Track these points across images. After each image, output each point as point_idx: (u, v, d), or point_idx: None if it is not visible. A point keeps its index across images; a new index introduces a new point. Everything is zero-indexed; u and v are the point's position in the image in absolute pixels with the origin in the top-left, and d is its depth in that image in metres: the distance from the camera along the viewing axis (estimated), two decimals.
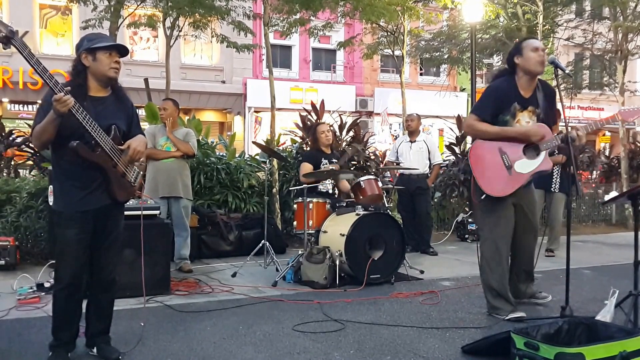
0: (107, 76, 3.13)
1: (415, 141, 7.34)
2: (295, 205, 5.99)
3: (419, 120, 7.43)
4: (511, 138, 4.04)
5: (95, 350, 3.34)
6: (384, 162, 9.18)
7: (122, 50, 3.17)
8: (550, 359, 2.79)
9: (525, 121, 4.06)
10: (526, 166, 4.02)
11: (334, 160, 6.22)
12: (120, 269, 3.65)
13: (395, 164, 7.50)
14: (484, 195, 4.08)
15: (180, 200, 5.88)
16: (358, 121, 9.29)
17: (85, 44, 3.12)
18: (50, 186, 5.43)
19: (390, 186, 7.53)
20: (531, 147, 4.05)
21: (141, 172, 3.42)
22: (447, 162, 9.50)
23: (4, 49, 2.84)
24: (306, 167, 6.06)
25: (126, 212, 3.48)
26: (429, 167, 7.38)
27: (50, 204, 5.38)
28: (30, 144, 7.93)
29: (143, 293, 3.86)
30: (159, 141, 5.83)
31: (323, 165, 6.10)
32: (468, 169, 8.89)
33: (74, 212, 3.11)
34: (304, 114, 8.70)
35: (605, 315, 3.69)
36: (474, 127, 4.12)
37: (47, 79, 2.83)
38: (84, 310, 3.33)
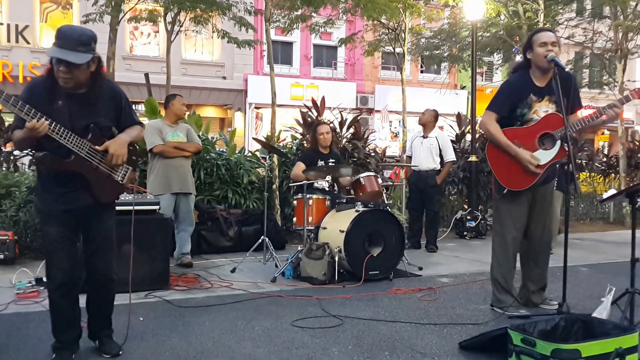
0: (59, 82, 2.91)
1: (427, 137, 7.26)
2: (295, 202, 6.01)
3: (430, 115, 7.30)
4: (512, 155, 4.05)
5: (97, 343, 3.34)
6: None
7: (65, 64, 2.84)
8: (547, 355, 2.81)
9: (543, 111, 4.07)
10: (543, 157, 4.03)
11: (331, 160, 6.22)
12: (118, 264, 3.49)
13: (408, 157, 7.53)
14: (505, 190, 4.12)
15: (189, 196, 5.96)
16: (358, 118, 9.30)
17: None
18: None
19: (390, 183, 7.53)
20: (546, 137, 4.04)
21: (130, 168, 3.25)
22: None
23: None
24: (300, 167, 6.08)
25: (122, 208, 3.44)
26: (441, 163, 7.27)
27: None
28: None
29: (129, 289, 3.57)
30: (166, 137, 5.83)
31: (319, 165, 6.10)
32: (467, 166, 9.00)
33: (55, 210, 3.03)
34: (305, 110, 8.71)
35: (602, 312, 3.71)
36: (487, 126, 4.17)
37: (12, 105, 2.70)
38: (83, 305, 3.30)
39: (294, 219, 5.99)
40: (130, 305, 3.58)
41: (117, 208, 3.41)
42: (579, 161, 10.39)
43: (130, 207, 4.17)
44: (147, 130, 5.72)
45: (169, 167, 5.78)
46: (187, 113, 7.45)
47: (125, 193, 3.58)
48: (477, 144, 9.19)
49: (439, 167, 7.25)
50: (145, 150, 5.82)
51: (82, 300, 3.29)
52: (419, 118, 7.48)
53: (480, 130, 7.79)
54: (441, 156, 7.26)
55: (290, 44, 21.83)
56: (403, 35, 11.04)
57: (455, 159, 7.55)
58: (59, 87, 2.93)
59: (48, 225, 3.06)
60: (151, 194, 5.31)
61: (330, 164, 6.16)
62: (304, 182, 5.71)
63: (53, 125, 2.83)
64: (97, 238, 3.21)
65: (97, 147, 3.02)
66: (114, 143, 3.06)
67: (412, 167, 7.33)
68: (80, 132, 2.96)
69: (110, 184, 3.15)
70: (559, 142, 4.01)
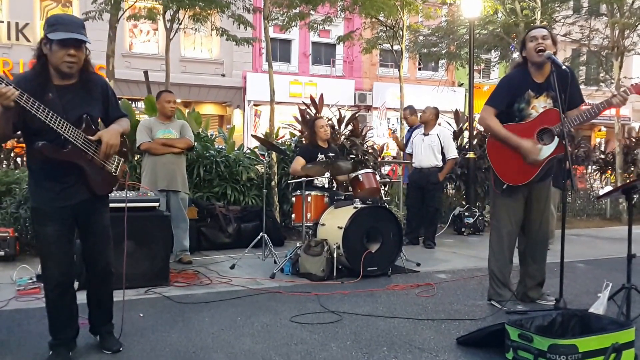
0: (60, 70, 2.89)
1: (428, 134, 7.30)
2: (293, 198, 6.03)
3: (431, 113, 7.34)
4: (512, 146, 4.07)
5: (98, 338, 3.35)
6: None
7: (77, 43, 2.86)
8: (544, 351, 2.84)
9: (541, 107, 4.09)
10: (542, 152, 4.05)
11: (331, 154, 6.23)
12: (118, 260, 3.51)
13: (408, 155, 7.54)
14: (505, 185, 4.16)
15: (178, 194, 5.93)
16: (357, 115, 9.32)
17: (45, 29, 2.84)
18: None
19: (388, 180, 7.55)
20: (545, 132, 4.06)
21: (122, 160, 3.23)
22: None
23: None
24: (300, 162, 6.09)
25: (121, 205, 3.46)
26: (443, 160, 7.29)
27: None
28: None
29: (123, 285, 3.52)
30: (156, 134, 5.84)
31: (319, 159, 6.11)
32: (465, 162, 9.02)
33: (52, 208, 2.96)
34: (303, 107, 8.73)
35: (599, 307, 3.74)
36: (487, 120, 4.20)
37: None
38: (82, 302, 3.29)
39: (293, 216, 6.00)
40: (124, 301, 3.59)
41: (115, 205, 3.39)
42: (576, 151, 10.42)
43: (129, 205, 4.18)
44: (137, 129, 5.78)
45: (157, 164, 5.78)
46: (188, 110, 7.46)
47: (118, 189, 3.57)
48: (475, 141, 9.22)
49: (441, 164, 7.27)
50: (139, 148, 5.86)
51: (82, 296, 3.31)
52: (420, 116, 7.51)
53: (479, 127, 7.81)
54: (443, 153, 7.30)
55: (288, 41, 21.82)
56: (401, 32, 11.05)
57: (457, 156, 7.59)
58: (49, 80, 2.90)
59: (44, 224, 2.98)
60: (151, 191, 5.33)
61: (330, 156, 6.17)
62: (303, 178, 5.73)
63: (48, 112, 2.76)
64: (96, 231, 3.18)
65: (90, 137, 2.98)
66: (106, 133, 3.03)
67: (413, 164, 7.35)
68: (74, 123, 2.92)
69: (105, 175, 3.12)
70: (557, 138, 4.03)
